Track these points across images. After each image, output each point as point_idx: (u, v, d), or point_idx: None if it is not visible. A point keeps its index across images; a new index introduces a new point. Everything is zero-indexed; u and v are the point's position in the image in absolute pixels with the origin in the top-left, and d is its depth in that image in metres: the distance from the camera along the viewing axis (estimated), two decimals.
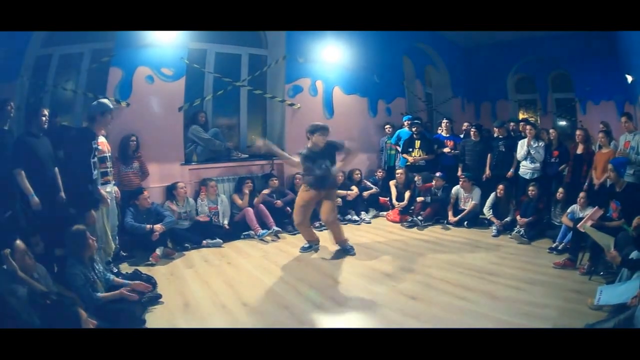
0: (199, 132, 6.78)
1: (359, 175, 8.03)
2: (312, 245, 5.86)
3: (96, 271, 3.71)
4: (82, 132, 4.35)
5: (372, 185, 8.09)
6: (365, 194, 7.84)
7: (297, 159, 5.51)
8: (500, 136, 7.48)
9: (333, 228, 5.70)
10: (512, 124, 8.49)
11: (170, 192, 6.25)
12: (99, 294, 3.61)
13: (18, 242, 3.17)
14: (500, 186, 6.74)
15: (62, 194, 4.31)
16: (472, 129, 7.76)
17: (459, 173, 7.55)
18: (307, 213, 5.72)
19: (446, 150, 8.01)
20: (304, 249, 5.79)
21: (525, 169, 6.89)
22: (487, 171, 7.41)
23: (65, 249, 3.76)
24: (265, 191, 6.96)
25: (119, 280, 3.87)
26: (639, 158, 5.46)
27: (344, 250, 5.70)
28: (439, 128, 8.61)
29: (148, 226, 5.45)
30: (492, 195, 6.83)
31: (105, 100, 4.45)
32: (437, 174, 7.51)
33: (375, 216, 7.84)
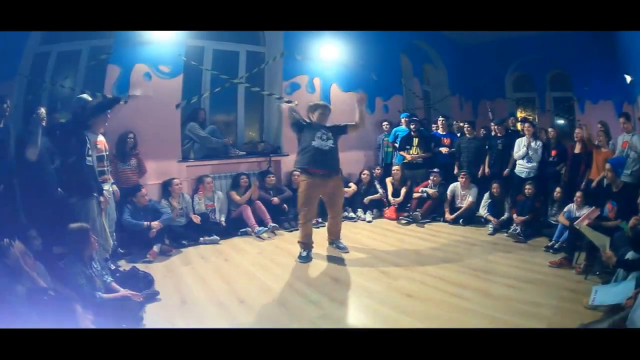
0: (196, 130, 6.79)
1: (368, 176, 7.98)
2: (309, 252, 5.39)
3: (94, 269, 3.71)
4: (69, 124, 4.45)
5: (379, 190, 7.92)
6: (366, 200, 7.78)
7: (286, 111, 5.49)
8: (499, 134, 7.48)
9: (338, 223, 5.73)
10: (511, 118, 8.50)
11: (166, 188, 6.26)
12: (102, 294, 3.61)
13: (17, 243, 3.17)
14: (495, 184, 6.76)
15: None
16: (465, 126, 7.79)
17: (456, 171, 7.59)
18: (310, 208, 5.37)
19: (444, 150, 7.99)
20: (304, 259, 5.28)
21: (522, 167, 6.88)
22: (487, 169, 7.42)
23: (66, 247, 3.75)
24: (256, 183, 6.98)
25: (116, 286, 3.86)
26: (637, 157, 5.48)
27: (338, 247, 5.73)
28: (434, 125, 8.63)
29: (145, 223, 5.48)
30: (487, 194, 6.86)
31: (83, 95, 4.57)
32: (435, 170, 7.55)
33: (375, 217, 7.73)
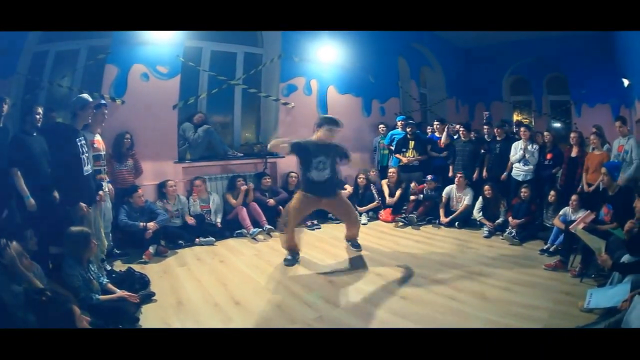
0: (186, 131, 6.83)
1: (364, 180, 7.95)
2: (295, 256, 5.32)
3: (91, 271, 3.71)
4: (64, 130, 4.42)
5: (376, 196, 7.90)
6: (362, 209, 7.73)
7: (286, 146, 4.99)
8: (498, 137, 7.48)
9: (352, 228, 5.70)
10: (506, 124, 8.51)
11: (161, 190, 6.26)
12: (99, 296, 3.60)
13: (14, 244, 3.16)
14: (486, 187, 6.76)
15: (56, 194, 4.29)
16: (460, 129, 7.79)
17: (450, 174, 7.60)
18: (298, 219, 5.34)
19: (443, 154, 8.00)
20: (288, 262, 5.21)
21: (519, 170, 6.90)
22: (484, 173, 7.41)
23: (64, 249, 3.73)
24: (250, 185, 6.94)
25: (112, 287, 3.86)
26: (632, 161, 5.49)
27: (353, 245, 5.74)
28: (429, 128, 8.65)
29: (141, 224, 5.46)
30: (480, 197, 6.86)
31: (84, 95, 4.48)
32: (429, 177, 7.55)
33: (370, 219, 7.76)
